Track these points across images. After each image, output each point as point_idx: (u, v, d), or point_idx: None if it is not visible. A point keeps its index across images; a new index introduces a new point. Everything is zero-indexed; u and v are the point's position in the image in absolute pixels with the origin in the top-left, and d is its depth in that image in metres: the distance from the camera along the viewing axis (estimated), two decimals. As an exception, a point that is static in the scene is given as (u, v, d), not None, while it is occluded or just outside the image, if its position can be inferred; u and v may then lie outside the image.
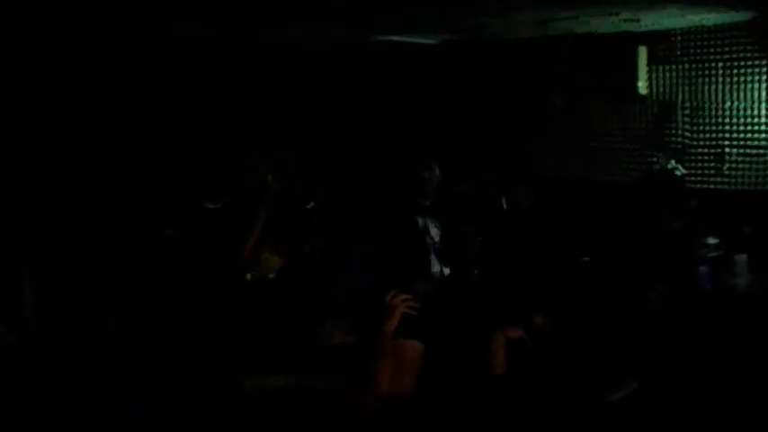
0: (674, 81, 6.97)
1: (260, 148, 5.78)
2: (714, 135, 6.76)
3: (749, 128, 6.54)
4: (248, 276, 4.66)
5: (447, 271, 5.56)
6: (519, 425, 2.82)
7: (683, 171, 6.75)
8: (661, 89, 7.05)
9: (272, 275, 4.76)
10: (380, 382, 2.38)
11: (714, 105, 6.73)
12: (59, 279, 3.71)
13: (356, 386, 2.35)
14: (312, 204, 6.26)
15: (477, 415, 2.67)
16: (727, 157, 6.67)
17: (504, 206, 6.41)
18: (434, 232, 5.83)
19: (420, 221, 5.82)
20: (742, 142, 6.59)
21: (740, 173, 6.63)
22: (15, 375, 2.96)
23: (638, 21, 6.34)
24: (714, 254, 5.97)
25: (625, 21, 6.31)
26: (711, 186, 6.78)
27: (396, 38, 7.53)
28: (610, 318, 4.27)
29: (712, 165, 6.79)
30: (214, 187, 5.09)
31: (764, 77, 6.44)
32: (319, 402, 2.32)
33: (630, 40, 6.97)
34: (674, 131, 7.00)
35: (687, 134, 6.93)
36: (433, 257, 5.65)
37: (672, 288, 4.90)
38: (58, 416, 2.79)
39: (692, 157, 6.88)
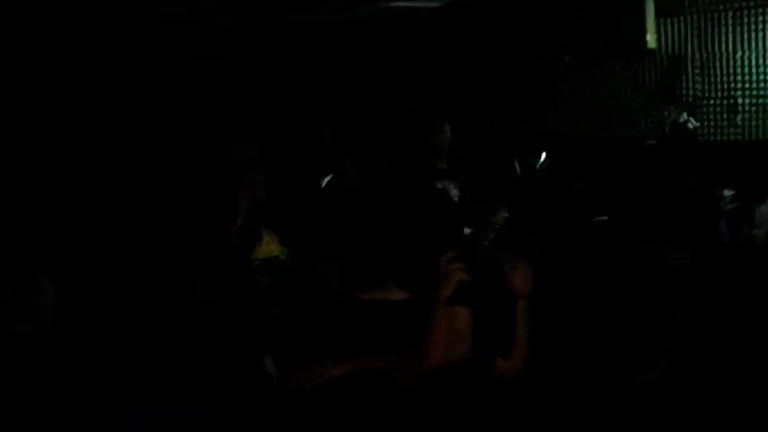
0: (684, 33, 6.90)
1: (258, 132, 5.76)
2: (726, 86, 6.71)
3: (762, 77, 6.50)
4: (256, 261, 4.66)
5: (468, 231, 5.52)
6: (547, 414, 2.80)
7: (696, 124, 6.71)
8: (670, 42, 6.98)
9: (283, 257, 4.76)
10: (436, 353, 2.33)
11: (725, 56, 6.67)
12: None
13: (410, 358, 2.29)
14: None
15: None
16: (740, 108, 6.63)
17: (518, 171, 6.36)
18: (454, 194, 5.79)
19: (439, 185, 5.78)
20: (755, 92, 6.55)
21: (754, 123, 6.59)
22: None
23: (646, -27, 6.27)
24: (731, 206, 5.93)
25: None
26: (725, 138, 6.74)
27: (398, 3, 7.44)
28: (624, 286, 4.20)
29: (725, 116, 6.74)
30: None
31: (775, 25, 6.38)
32: (373, 383, 2.26)
33: (638, -6, 6.89)
34: (684, 84, 6.95)
35: (698, 86, 6.87)
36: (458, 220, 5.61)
37: (692, 248, 4.84)
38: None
39: (705, 110, 6.84)
